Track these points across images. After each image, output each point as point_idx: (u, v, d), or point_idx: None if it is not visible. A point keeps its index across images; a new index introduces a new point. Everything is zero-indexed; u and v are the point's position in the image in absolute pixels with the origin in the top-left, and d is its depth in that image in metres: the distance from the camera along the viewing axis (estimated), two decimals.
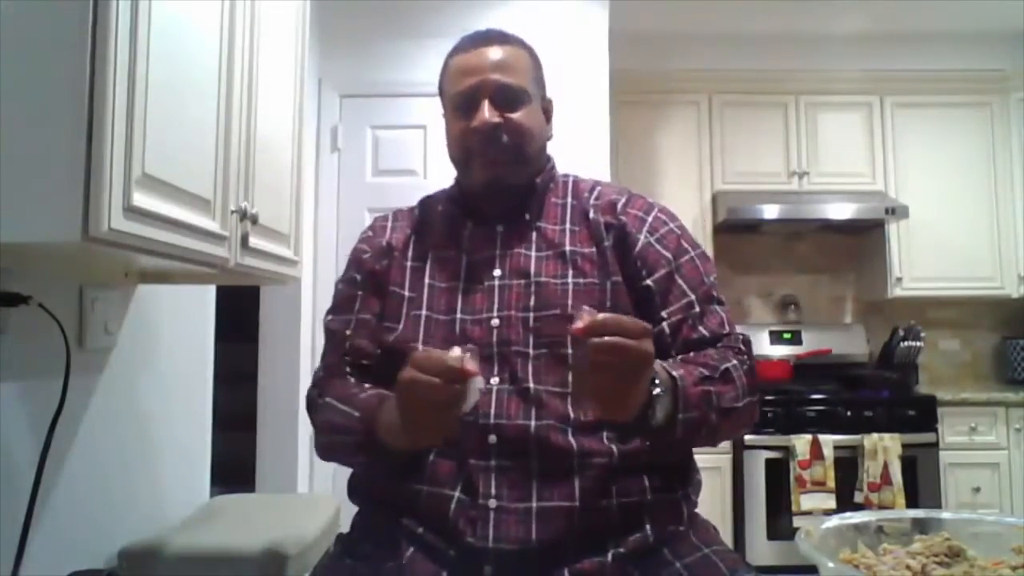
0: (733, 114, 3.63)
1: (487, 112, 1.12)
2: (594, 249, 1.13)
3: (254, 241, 1.40)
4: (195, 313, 1.96)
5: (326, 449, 1.13)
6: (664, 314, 1.08)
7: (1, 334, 1.19)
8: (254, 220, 1.37)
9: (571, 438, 1.01)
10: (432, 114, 3.01)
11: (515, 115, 1.13)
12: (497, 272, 1.13)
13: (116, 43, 0.92)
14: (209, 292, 2.04)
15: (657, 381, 0.92)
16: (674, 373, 0.95)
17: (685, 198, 3.46)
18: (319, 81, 3.00)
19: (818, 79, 3.65)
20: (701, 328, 1.08)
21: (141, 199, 0.99)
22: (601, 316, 0.84)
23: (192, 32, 1.16)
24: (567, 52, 2.90)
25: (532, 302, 1.09)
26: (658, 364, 0.94)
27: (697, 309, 1.08)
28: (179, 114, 1.11)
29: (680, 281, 1.10)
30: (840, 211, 3.45)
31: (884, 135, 3.62)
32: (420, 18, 3.03)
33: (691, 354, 1.05)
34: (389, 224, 1.24)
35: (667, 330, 1.07)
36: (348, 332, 1.15)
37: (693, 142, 3.61)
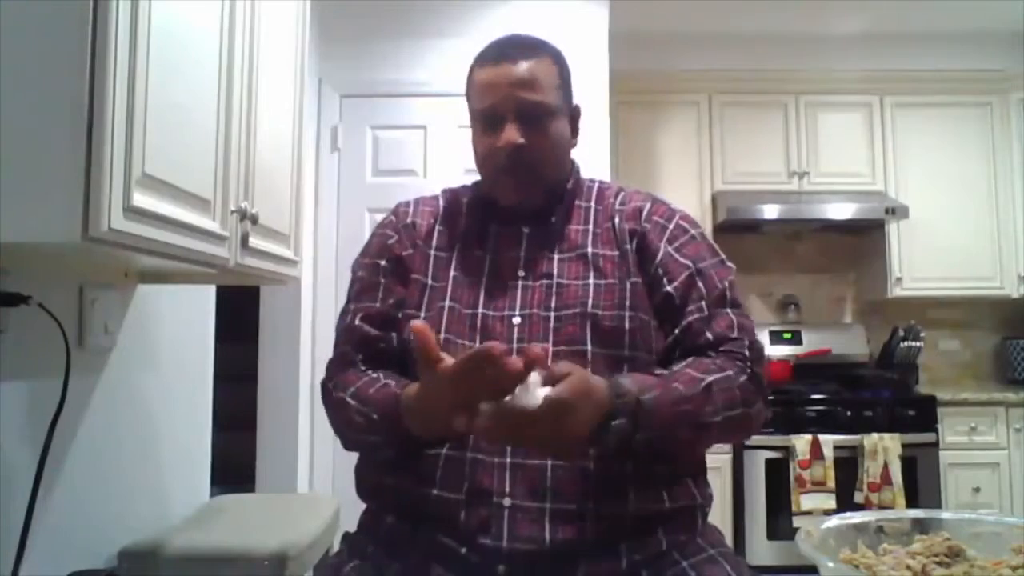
0: (733, 114, 3.63)
1: (510, 132, 1.12)
2: (616, 252, 1.14)
3: (254, 241, 1.40)
4: (195, 313, 1.96)
5: (350, 443, 1.11)
6: (679, 318, 1.09)
7: (1, 334, 1.19)
8: (254, 220, 1.37)
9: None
10: (432, 114, 3.05)
11: (539, 136, 1.13)
12: (521, 273, 1.14)
13: (116, 43, 0.92)
14: (209, 292, 2.04)
15: (619, 398, 0.92)
16: (643, 398, 0.94)
17: (685, 198, 3.46)
18: (319, 81, 3.00)
19: (818, 79, 3.65)
20: (707, 332, 1.08)
21: (141, 199, 0.99)
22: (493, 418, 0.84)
23: (192, 32, 1.16)
24: (567, 52, 2.89)
25: (553, 302, 1.09)
26: (629, 381, 0.95)
27: (706, 313, 1.09)
28: (179, 114, 1.11)
29: (700, 286, 1.10)
30: (840, 211, 3.45)
31: (884, 135, 3.62)
32: (420, 18, 3.03)
33: (689, 358, 1.05)
34: (412, 209, 1.23)
35: (679, 333, 1.08)
36: (356, 323, 1.13)
37: (693, 142, 3.61)
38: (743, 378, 1.03)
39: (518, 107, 1.12)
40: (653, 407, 0.94)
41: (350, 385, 1.08)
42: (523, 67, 1.13)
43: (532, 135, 1.13)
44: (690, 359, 1.05)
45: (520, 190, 1.16)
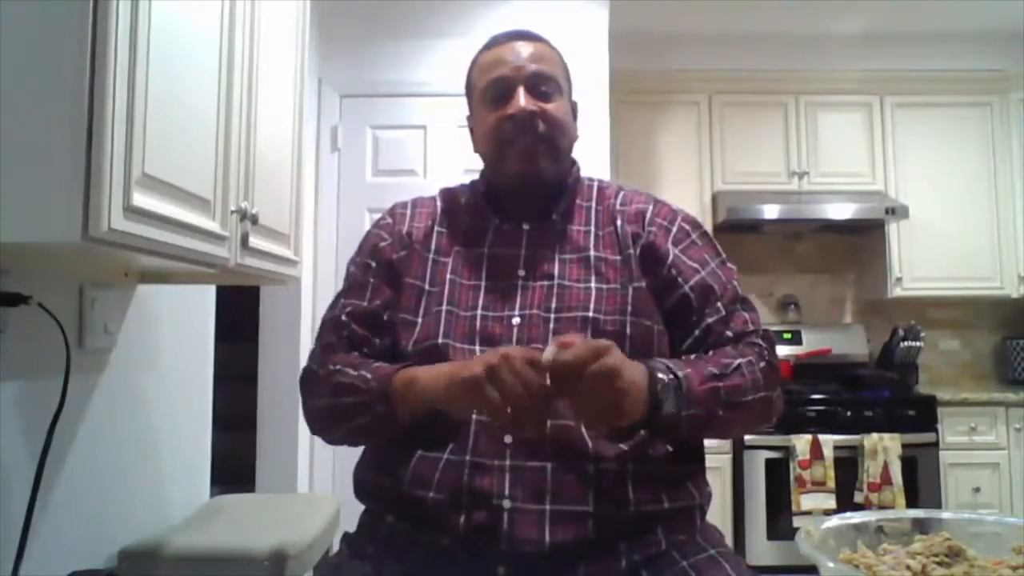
0: (733, 114, 3.63)
1: (523, 99, 1.13)
2: (619, 256, 1.14)
3: (254, 241, 1.40)
4: (195, 313, 1.96)
5: (328, 412, 1.09)
6: (698, 319, 1.10)
7: (1, 334, 1.19)
8: (254, 220, 1.37)
9: (588, 439, 1.00)
10: (432, 114, 3.05)
11: (549, 105, 1.15)
12: (521, 272, 1.13)
13: (116, 43, 0.92)
14: (209, 292, 2.04)
15: (664, 378, 0.95)
16: (679, 373, 0.97)
17: (685, 198, 3.45)
18: (319, 81, 3.00)
19: (818, 79, 3.65)
20: (727, 331, 1.09)
21: (141, 199, 0.99)
22: (555, 358, 0.88)
23: (192, 32, 1.16)
24: (567, 52, 2.89)
25: (554, 303, 1.09)
26: (664, 363, 0.97)
27: (724, 313, 1.10)
28: (179, 114, 1.11)
29: (714, 288, 1.12)
30: (840, 211, 3.45)
31: (884, 135, 3.62)
32: (420, 18, 3.03)
33: (710, 352, 1.07)
34: (409, 212, 1.23)
35: (699, 334, 1.10)
36: (344, 318, 1.13)
37: (693, 142, 3.61)
38: (763, 363, 1.06)
39: (529, 77, 1.14)
40: (691, 383, 0.97)
41: (348, 361, 1.08)
42: (532, 46, 1.18)
43: (542, 105, 1.14)
44: (715, 351, 1.07)
45: (529, 157, 1.13)
